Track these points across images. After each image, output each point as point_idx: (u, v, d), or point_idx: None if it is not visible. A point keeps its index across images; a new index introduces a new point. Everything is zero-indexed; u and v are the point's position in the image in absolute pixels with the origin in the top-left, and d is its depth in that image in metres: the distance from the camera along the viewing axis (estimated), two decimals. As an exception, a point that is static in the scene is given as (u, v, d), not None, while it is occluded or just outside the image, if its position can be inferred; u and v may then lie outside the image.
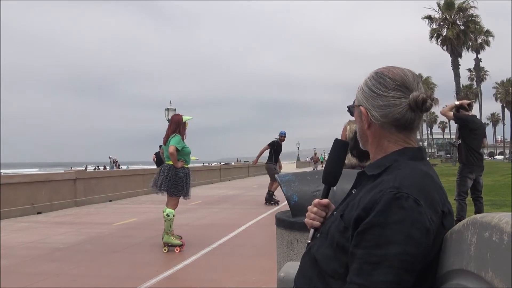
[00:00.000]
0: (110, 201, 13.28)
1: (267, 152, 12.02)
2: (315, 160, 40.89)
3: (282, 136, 11.98)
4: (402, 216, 1.04)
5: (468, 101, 6.34)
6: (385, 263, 1.02)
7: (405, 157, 1.22)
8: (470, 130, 5.94)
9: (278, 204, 11.19)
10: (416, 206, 1.04)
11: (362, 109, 1.28)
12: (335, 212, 1.30)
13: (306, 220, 1.39)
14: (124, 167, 34.83)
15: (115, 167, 29.08)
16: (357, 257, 1.06)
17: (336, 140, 1.44)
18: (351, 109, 4.86)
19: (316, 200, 1.39)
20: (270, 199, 11.49)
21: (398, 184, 1.09)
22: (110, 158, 32.64)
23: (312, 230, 1.37)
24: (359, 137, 1.34)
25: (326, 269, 1.19)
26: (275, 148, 11.79)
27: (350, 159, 4.57)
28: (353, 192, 1.29)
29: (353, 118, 4.90)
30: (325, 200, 1.39)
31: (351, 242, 1.10)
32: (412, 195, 1.06)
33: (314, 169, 28.31)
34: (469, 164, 5.88)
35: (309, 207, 1.40)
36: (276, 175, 3.42)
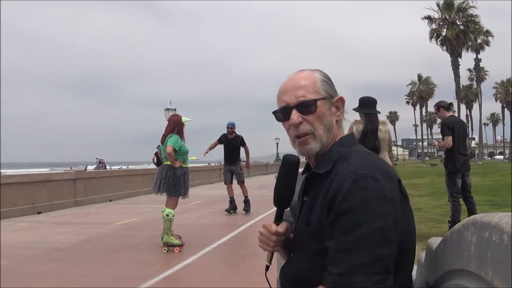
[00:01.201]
0: (110, 201, 13.28)
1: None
2: None
3: (229, 127, 9.56)
4: (365, 196, 1.07)
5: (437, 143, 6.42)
6: (358, 245, 1.04)
7: (346, 146, 1.27)
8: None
9: (236, 212, 9.71)
10: (375, 182, 1.09)
11: (342, 98, 1.31)
12: (297, 227, 1.30)
13: (259, 244, 1.35)
14: (116, 168, 34.89)
15: (101, 167, 29.13)
16: (331, 248, 1.08)
17: (285, 158, 1.32)
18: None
19: (265, 223, 1.33)
20: (231, 208, 9.69)
21: (354, 169, 1.13)
22: (97, 158, 32.68)
23: (268, 253, 1.33)
24: (325, 134, 1.26)
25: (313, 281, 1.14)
26: (222, 143, 9.66)
27: None
28: (305, 199, 1.28)
29: (358, 118, 4.88)
30: (274, 228, 1.31)
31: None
32: (369, 174, 1.10)
33: None
34: (454, 165, 5.88)
35: (259, 230, 1.34)
36: (276, 175, 3.23)
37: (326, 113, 1.27)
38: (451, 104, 6.44)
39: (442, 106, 6.09)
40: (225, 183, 9.90)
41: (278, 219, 1.33)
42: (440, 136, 6.20)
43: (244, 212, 9.73)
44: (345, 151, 1.24)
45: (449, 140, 5.85)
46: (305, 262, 1.22)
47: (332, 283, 1.05)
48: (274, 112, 1.32)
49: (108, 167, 32.45)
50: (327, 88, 1.28)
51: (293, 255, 1.30)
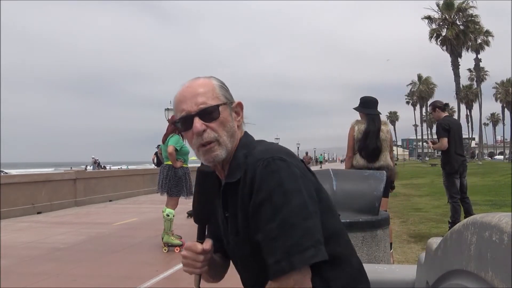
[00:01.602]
0: (110, 201, 13.28)
1: None
2: (307, 161, 37.71)
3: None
4: (277, 178, 1.10)
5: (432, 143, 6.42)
6: (285, 228, 1.06)
7: (247, 146, 1.26)
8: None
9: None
10: (283, 162, 1.12)
11: (240, 103, 1.29)
12: (230, 244, 1.27)
13: (184, 268, 1.26)
14: (116, 168, 34.88)
15: (96, 167, 29.16)
16: (261, 241, 1.10)
17: (200, 170, 1.24)
18: None
19: (187, 245, 1.25)
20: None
21: (260, 156, 1.15)
22: (92, 158, 32.73)
23: (196, 276, 1.26)
24: (229, 140, 1.23)
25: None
26: None
27: (358, 160, 4.50)
28: (226, 215, 1.25)
29: (359, 118, 4.86)
30: (200, 247, 1.22)
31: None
32: (275, 156, 1.14)
33: None
34: (452, 166, 5.85)
35: (182, 253, 1.25)
36: None
37: (228, 119, 1.24)
38: (446, 105, 6.42)
39: (438, 107, 6.04)
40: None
41: (201, 237, 1.25)
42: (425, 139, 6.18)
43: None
44: (247, 150, 1.23)
45: (445, 141, 5.81)
46: (251, 267, 1.22)
47: (274, 274, 1.06)
48: (174, 122, 1.27)
49: (107, 167, 32.45)
50: (225, 93, 1.26)
51: (241, 269, 1.30)
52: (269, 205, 1.08)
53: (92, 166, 29.54)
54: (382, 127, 4.63)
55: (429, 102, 75.48)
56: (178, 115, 1.25)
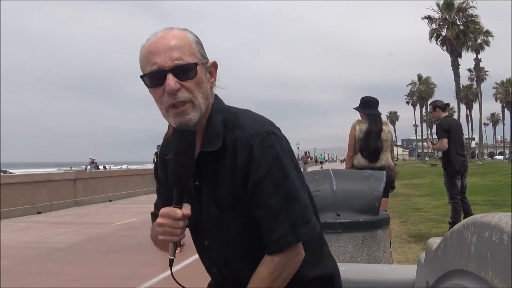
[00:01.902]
0: (110, 201, 13.28)
1: None
2: (304, 160, 35.51)
3: None
4: (273, 153, 1.11)
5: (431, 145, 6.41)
6: (287, 201, 1.10)
7: (223, 112, 1.19)
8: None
9: None
10: (275, 136, 1.13)
11: (215, 62, 1.18)
12: (203, 214, 1.19)
13: (161, 237, 1.12)
14: (116, 168, 34.92)
15: (93, 168, 29.28)
16: (263, 216, 1.11)
17: (181, 129, 1.10)
18: None
19: (165, 211, 1.10)
20: None
21: (252, 131, 1.12)
22: (90, 158, 32.86)
23: (172, 245, 1.14)
24: (203, 103, 1.13)
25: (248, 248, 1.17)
26: None
27: (359, 160, 4.50)
28: (196, 184, 1.16)
29: (359, 118, 4.86)
30: (179, 212, 1.09)
31: (251, 207, 1.12)
32: (268, 130, 1.13)
33: (303, 170, 26.41)
34: (453, 167, 5.81)
35: (159, 221, 1.11)
36: None
37: (203, 79, 1.13)
38: (447, 105, 6.31)
39: (439, 106, 5.96)
40: None
41: (179, 202, 1.11)
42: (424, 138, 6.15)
43: None
44: (225, 117, 1.17)
45: (445, 142, 5.75)
46: (232, 243, 1.19)
47: (281, 247, 1.09)
48: (142, 77, 1.12)
49: (108, 167, 32.49)
50: (201, 50, 1.14)
51: (212, 244, 1.22)
52: (269, 180, 1.09)
53: (89, 166, 29.60)
54: (384, 127, 4.64)
55: (429, 102, 75.55)
56: (147, 68, 1.11)
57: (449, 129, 5.77)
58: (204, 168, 1.16)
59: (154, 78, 1.10)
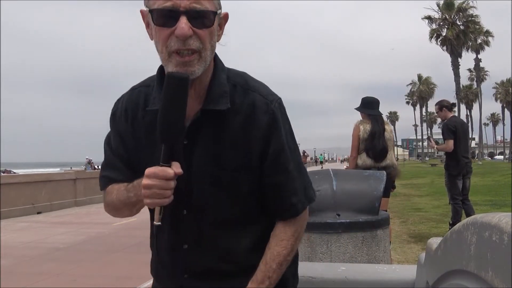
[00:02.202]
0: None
1: None
2: (303, 160, 37.80)
3: None
4: (287, 120, 1.13)
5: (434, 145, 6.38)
6: (299, 169, 1.14)
7: (225, 71, 1.12)
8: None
9: None
10: (282, 102, 1.14)
11: (227, 14, 1.08)
12: (196, 174, 1.08)
13: (148, 201, 1.00)
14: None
15: (90, 168, 29.32)
16: (283, 182, 1.12)
17: (173, 75, 0.97)
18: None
19: (153, 171, 0.98)
20: None
21: (270, 97, 1.11)
22: (86, 158, 32.90)
23: (158, 209, 1.02)
24: (209, 57, 1.03)
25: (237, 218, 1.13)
26: None
27: (364, 159, 4.51)
28: (185, 142, 1.06)
29: (360, 118, 4.87)
30: (171, 171, 0.98)
31: (261, 174, 1.10)
32: (277, 96, 1.13)
33: None
34: (455, 168, 5.73)
35: (146, 182, 0.98)
36: None
37: (215, 31, 1.03)
38: (454, 105, 6.22)
39: (445, 106, 5.87)
40: None
41: (167, 160, 0.99)
42: (440, 136, 6.10)
43: None
44: (232, 78, 1.11)
45: (450, 144, 5.66)
46: (228, 207, 1.12)
47: (298, 210, 1.14)
48: (150, 10, 0.99)
49: (96, 167, 32.55)
50: None
51: (194, 213, 1.11)
52: (289, 146, 1.11)
53: (86, 167, 29.64)
54: (386, 127, 4.67)
55: (429, 102, 75.82)
56: (157, 3, 0.98)
57: (455, 130, 5.68)
58: (202, 128, 1.07)
59: (164, 17, 0.98)
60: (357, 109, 4.81)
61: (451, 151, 5.71)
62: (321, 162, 59.55)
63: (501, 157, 75.32)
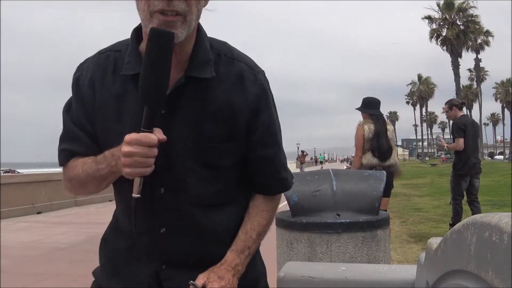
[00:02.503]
0: (110, 201, 13.28)
1: None
2: (301, 160, 33.45)
3: None
4: (271, 91, 1.12)
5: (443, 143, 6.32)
6: (281, 143, 1.13)
7: (207, 39, 1.06)
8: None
9: None
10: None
11: None
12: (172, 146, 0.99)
13: (128, 170, 0.92)
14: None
15: None
16: (271, 156, 1.10)
17: (158, 31, 0.90)
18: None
19: (134, 138, 0.90)
20: None
21: (256, 68, 1.09)
22: None
23: (139, 180, 0.95)
24: (194, 22, 0.97)
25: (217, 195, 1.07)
26: None
27: (370, 159, 4.52)
28: (163, 112, 0.98)
29: (361, 118, 4.88)
30: (154, 137, 0.91)
31: (245, 146, 1.07)
32: (260, 68, 1.11)
33: (300, 170, 22.99)
34: (463, 168, 5.61)
35: (127, 149, 0.90)
36: None
37: None
38: (463, 103, 6.14)
39: (455, 105, 5.78)
40: None
41: (149, 125, 0.92)
42: (442, 137, 6.07)
43: None
44: (216, 46, 1.06)
45: (461, 142, 5.54)
46: (210, 183, 1.05)
47: (289, 185, 1.15)
48: None
49: None
50: None
51: (172, 191, 1.02)
52: (276, 119, 1.12)
53: None
54: (388, 126, 4.70)
55: (429, 102, 75.86)
56: None
57: (465, 129, 5.59)
58: (184, 96, 1.00)
59: None
60: (359, 109, 4.83)
61: (461, 149, 5.57)
62: (321, 162, 59.55)
63: (501, 157, 75.32)
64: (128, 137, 0.91)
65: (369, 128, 4.58)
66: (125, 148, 0.91)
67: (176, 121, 1.00)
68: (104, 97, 1.04)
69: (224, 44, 1.10)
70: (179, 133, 1.00)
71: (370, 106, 4.78)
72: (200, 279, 1.01)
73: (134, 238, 1.06)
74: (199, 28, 1.04)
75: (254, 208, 1.11)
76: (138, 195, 0.95)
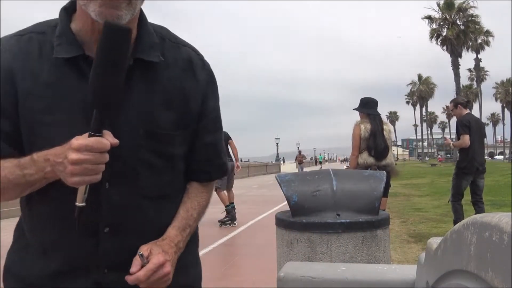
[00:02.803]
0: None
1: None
2: (299, 160, 32.17)
3: None
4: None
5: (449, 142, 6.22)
6: (222, 130, 1.15)
7: (153, 25, 1.02)
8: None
9: (234, 223, 7.93)
10: None
11: None
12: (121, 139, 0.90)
13: (76, 179, 0.83)
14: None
15: None
16: (216, 140, 1.11)
17: (113, 24, 0.82)
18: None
19: (84, 143, 0.81)
20: (225, 219, 7.89)
21: (200, 53, 1.08)
22: None
23: (84, 187, 0.86)
24: (140, 4, 0.93)
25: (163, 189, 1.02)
26: None
27: (366, 158, 4.54)
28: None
29: (359, 118, 4.90)
30: (106, 142, 0.84)
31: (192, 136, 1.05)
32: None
33: (299, 171, 22.53)
34: (466, 166, 5.51)
35: (76, 157, 0.81)
36: (276, 175, 2.84)
37: None
38: (469, 102, 6.06)
39: (460, 103, 5.68)
40: (219, 189, 7.74)
41: (98, 129, 0.84)
42: (440, 136, 6.06)
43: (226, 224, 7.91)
44: (159, 31, 1.02)
45: (466, 138, 5.40)
46: (159, 175, 0.99)
47: (225, 172, 1.14)
48: None
49: None
50: None
51: (118, 186, 0.94)
52: (219, 107, 1.12)
53: None
54: (384, 126, 4.72)
55: (429, 102, 75.88)
56: None
57: (469, 126, 5.48)
58: (132, 82, 0.93)
59: None
60: (356, 109, 4.86)
61: (467, 146, 5.44)
62: (320, 162, 59.50)
63: (501, 157, 75.34)
64: (76, 142, 0.82)
65: (365, 127, 4.60)
66: (73, 155, 0.82)
67: (126, 108, 0.93)
68: (29, 86, 0.91)
69: (166, 29, 1.06)
70: (129, 122, 0.93)
71: (367, 106, 4.80)
72: (144, 252, 0.93)
73: (66, 250, 0.95)
74: (141, 12, 0.98)
75: (193, 189, 1.09)
76: (83, 204, 0.86)
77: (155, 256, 0.92)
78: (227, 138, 7.91)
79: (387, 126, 4.82)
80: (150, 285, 0.91)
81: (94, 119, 0.84)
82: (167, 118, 0.97)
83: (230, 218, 7.86)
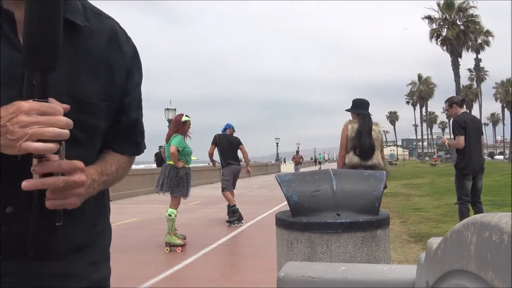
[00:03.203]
0: (110, 201, 13.28)
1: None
2: (296, 160, 30.99)
3: (231, 128, 8.36)
4: None
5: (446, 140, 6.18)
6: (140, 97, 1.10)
7: None
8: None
9: (241, 222, 8.01)
10: None
11: None
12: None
13: (41, 145, 0.72)
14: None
15: None
16: (138, 116, 1.08)
17: None
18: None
19: (31, 106, 0.72)
20: (232, 219, 7.97)
21: (121, 26, 1.03)
22: None
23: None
24: None
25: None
26: (218, 144, 8.12)
27: (351, 157, 4.57)
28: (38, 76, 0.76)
29: (351, 118, 4.95)
30: (59, 108, 0.75)
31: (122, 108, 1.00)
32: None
33: (295, 171, 21.93)
34: (465, 167, 5.46)
35: (23, 119, 0.71)
36: (276, 175, 2.78)
37: None
38: (464, 100, 6.03)
39: (455, 103, 5.63)
40: (226, 190, 7.93)
41: (44, 93, 0.74)
42: (442, 136, 6.06)
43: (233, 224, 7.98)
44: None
45: (461, 139, 5.38)
46: (80, 149, 0.88)
47: (137, 151, 1.10)
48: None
49: None
50: None
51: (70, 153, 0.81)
52: (141, 86, 1.08)
53: None
54: (374, 127, 4.77)
55: (429, 102, 75.90)
56: None
57: (465, 126, 5.43)
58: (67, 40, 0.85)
59: None
60: (348, 110, 4.95)
61: (462, 147, 5.42)
62: (320, 162, 59.45)
63: (501, 157, 75.33)
64: (27, 105, 0.72)
65: (352, 127, 4.65)
66: (23, 117, 0.72)
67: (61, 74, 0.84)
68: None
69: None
70: (53, 85, 0.78)
71: (358, 107, 4.87)
72: None
73: None
74: None
75: (110, 153, 1.02)
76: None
77: (66, 161, 0.78)
78: (239, 143, 8.35)
79: (377, 127, 4.84)
80: (59, 194, 0.78)
81: (37, 84, 0.74)
82: (92, 87, 0.89)
83: (237, 217, 7.98)
